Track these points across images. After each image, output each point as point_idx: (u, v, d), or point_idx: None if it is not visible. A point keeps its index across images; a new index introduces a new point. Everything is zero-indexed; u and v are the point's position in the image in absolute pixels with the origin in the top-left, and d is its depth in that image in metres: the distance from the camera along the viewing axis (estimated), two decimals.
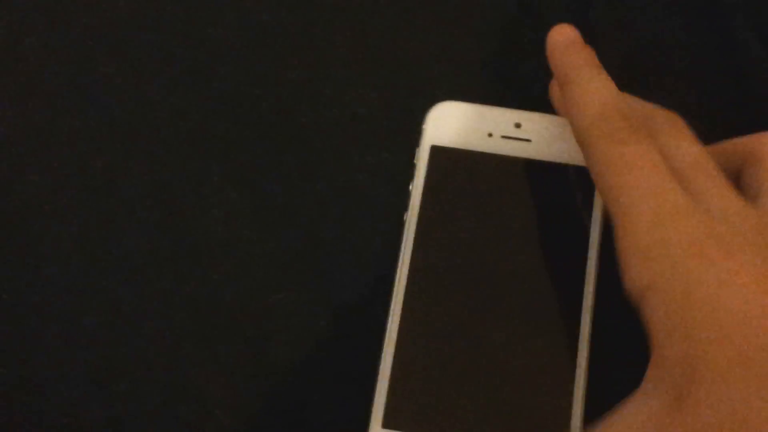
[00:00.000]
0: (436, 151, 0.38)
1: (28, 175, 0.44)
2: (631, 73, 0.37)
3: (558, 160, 0.38)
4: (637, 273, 0.31)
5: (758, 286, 0.29)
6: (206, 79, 0.46)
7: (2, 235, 0.43)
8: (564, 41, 0.36)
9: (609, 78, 0.35)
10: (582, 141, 0.34)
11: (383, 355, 0.35)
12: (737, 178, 0.35)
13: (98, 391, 0.40)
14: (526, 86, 0.43)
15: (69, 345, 0.41)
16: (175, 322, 0.41)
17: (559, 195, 0.37)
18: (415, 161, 0.39)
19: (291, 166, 0.44)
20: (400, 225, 0.38)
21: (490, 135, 0.38)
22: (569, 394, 0.34)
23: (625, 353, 0.33)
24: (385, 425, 0.34)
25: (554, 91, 0.40)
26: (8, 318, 0.42)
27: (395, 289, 0.36)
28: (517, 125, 0.38)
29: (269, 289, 0.41)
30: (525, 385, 0.34)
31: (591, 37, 0.37)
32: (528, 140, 0.38)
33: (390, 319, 0.36)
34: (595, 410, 0.32)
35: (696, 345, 0.29)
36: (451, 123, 0.39)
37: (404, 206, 0.38)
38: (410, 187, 0.38)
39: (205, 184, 0.44)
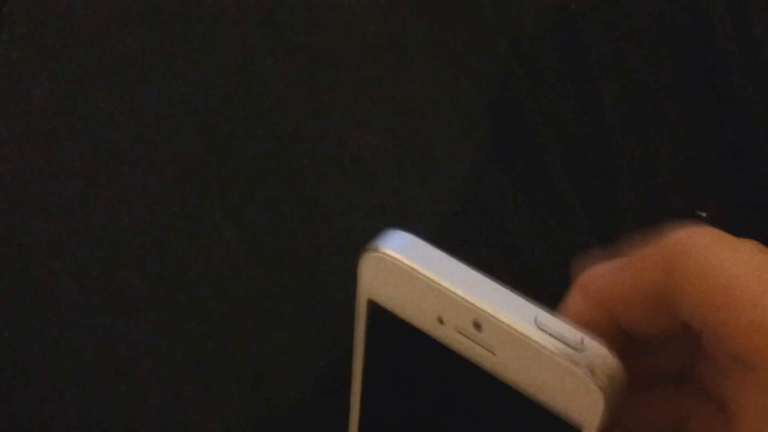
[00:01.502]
0: (376, 308, 0.27)
1: (27, 214, 0.44)
2: (626, 116, 0.37)
3: (526, 391, 0.25)
4: None
5: None
6: (206, 119, 0.46)
7: (3, 274, 0.43)
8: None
9: None
10: None
11: None
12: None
13: (96, 428, 0.40)
14: (523, 124, 0.43)
15: (68, 382, 0.41)
16: (173, 360, 0.41)
17: None
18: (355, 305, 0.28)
19: (290, 206, 0.44)
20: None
21: (440, 321, 0.26)
22: None
23: None
24: None
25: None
26: (9, 355, 0.41)
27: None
28: (477, 325, 0.25)
29: (266, 328, 0.41)
30: None
31: (587, 81, 0.36)
32: (491, 352, 0.25)
33: None
34: None
35: None
36: (390, 283, 0.26)
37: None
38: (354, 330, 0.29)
39: (204, 223, 0.44)
